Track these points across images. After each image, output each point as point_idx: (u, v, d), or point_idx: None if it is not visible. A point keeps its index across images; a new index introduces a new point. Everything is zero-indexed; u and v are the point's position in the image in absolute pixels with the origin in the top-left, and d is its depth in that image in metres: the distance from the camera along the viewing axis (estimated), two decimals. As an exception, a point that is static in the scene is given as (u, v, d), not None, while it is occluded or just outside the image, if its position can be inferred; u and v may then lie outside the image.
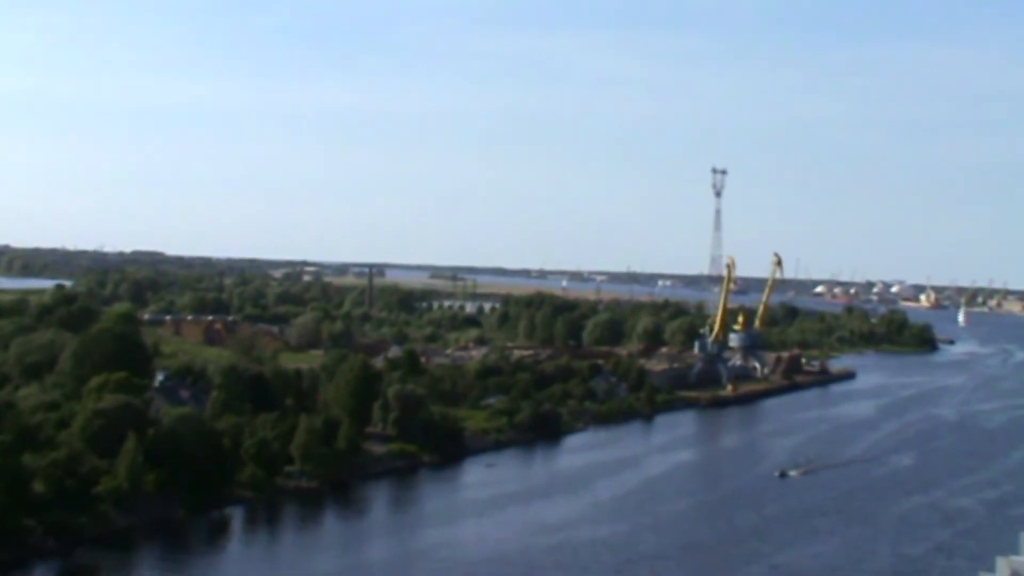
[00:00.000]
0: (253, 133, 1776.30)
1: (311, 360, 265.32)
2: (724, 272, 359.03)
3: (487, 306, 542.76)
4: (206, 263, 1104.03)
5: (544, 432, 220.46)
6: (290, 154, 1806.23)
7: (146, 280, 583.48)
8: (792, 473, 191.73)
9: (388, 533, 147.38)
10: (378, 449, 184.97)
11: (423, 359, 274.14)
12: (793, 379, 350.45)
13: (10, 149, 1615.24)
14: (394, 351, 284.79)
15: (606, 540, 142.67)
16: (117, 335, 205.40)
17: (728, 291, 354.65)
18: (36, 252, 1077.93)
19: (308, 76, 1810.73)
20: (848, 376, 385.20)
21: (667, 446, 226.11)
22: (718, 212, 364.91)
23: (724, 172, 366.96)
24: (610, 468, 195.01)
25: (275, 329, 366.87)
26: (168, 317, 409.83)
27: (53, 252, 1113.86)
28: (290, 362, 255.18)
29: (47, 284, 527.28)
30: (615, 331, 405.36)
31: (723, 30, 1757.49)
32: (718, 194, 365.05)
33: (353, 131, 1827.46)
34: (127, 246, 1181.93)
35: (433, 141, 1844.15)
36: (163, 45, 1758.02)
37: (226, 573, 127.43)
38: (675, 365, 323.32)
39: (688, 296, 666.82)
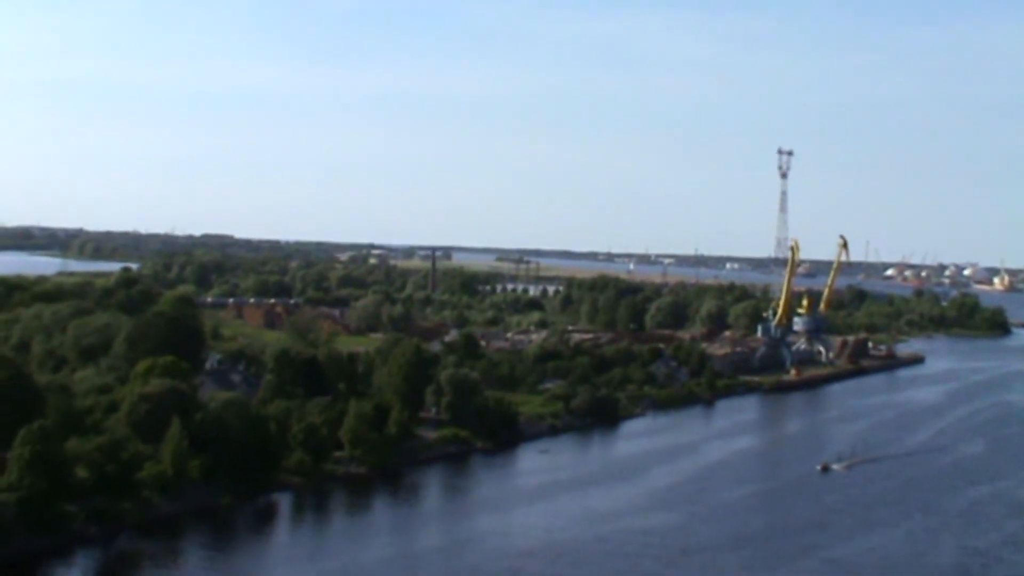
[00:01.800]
0: (323, 116, 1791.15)
1: (370, 344, 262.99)
2: (788, 255, 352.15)
3: (551, 289, 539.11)
4: (274, 246, 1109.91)
5: (601, 417, 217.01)
6: (358, 137, 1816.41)
7: (211, 263, 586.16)
8: (835, 467, 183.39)
9: (438, 520, 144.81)
10: (430, 434, 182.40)
11: (483, 343, 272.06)
12: (859, 364, 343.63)
13: (83, 134, 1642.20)
14: (453, 335, 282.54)
15: (659, 530, 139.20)
16: (170, 318, 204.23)
17: (792, 274, 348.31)
18: (108, 235, 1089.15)
19: (375, 59, 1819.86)
20: (916, 361, 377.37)
21: (726, 432, 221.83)
22: (784, 194, 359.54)
23: (790, 153, 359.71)
24: (667, 455, 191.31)
25: (336, 312, 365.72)
26: (231, 300, 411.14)
27: (124, 235, 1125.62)
28: (348, 346, 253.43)
29: (116, 267, 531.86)
30: (678, 314, 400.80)
31: (791, 10, 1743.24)
32: (784, 175, 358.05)
33: (422, 114, 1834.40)
34: (197, 229, 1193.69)
35: (502, 124, 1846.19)
36: (232, 30, 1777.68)
37: (272, 561, 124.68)
38: (738, 349, 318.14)
39: (756, 279, 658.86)
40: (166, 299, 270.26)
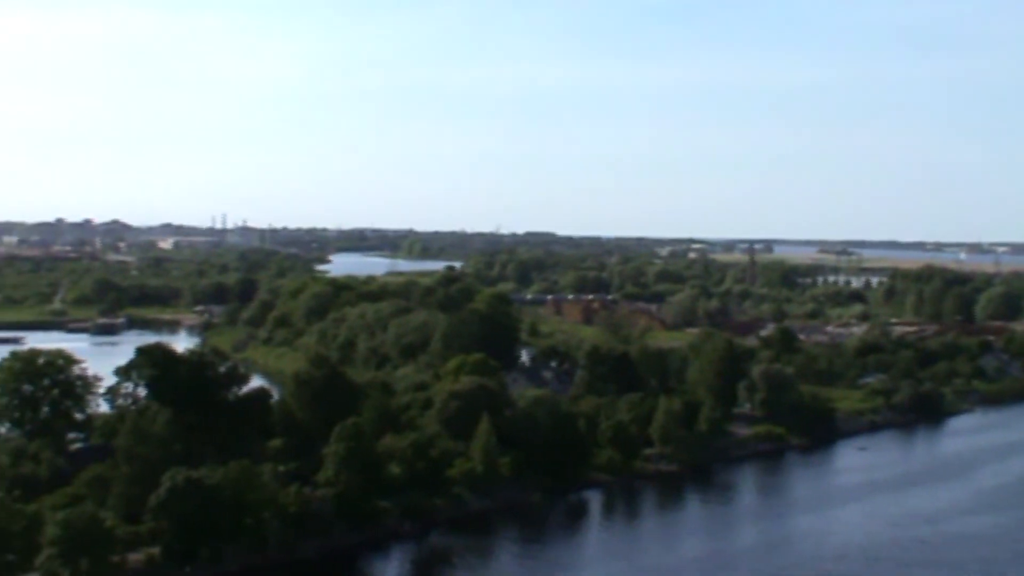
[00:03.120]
0: (643, 113, 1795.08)
1: (685, 339, 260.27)
2: None
3: (874, 281, 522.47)
4: (595, 243, 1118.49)
5: (924, 413, 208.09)
6: (678, 131, 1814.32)
7: (531, 260, 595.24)
8: None
9: (749, 520, 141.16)
10: (743, 431, 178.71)
11: (801, 336, 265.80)
12: None
13: (410, 139, 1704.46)
14: (769, 329, 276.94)
15: (986, 534, 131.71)
16: (484, 316, 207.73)
17: None
18: (436, 235, 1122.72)
19: (689, 53, 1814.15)
20: None
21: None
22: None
23: None
24: (996, 453, 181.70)
25: (652, 308, 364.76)
26: (550, 297, 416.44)
27: (452, 235, 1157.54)
28: (664, 341, 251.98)
29: (441, 266, 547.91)
30: (1011, 305, 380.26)
31: None
32: None
33: (742, 107, 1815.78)
34: (521, 228, 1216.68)
35: (822, 114, 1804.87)
36: (548, 30, 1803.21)
37: (584, 558, 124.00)
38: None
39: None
40: (482, 296, 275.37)
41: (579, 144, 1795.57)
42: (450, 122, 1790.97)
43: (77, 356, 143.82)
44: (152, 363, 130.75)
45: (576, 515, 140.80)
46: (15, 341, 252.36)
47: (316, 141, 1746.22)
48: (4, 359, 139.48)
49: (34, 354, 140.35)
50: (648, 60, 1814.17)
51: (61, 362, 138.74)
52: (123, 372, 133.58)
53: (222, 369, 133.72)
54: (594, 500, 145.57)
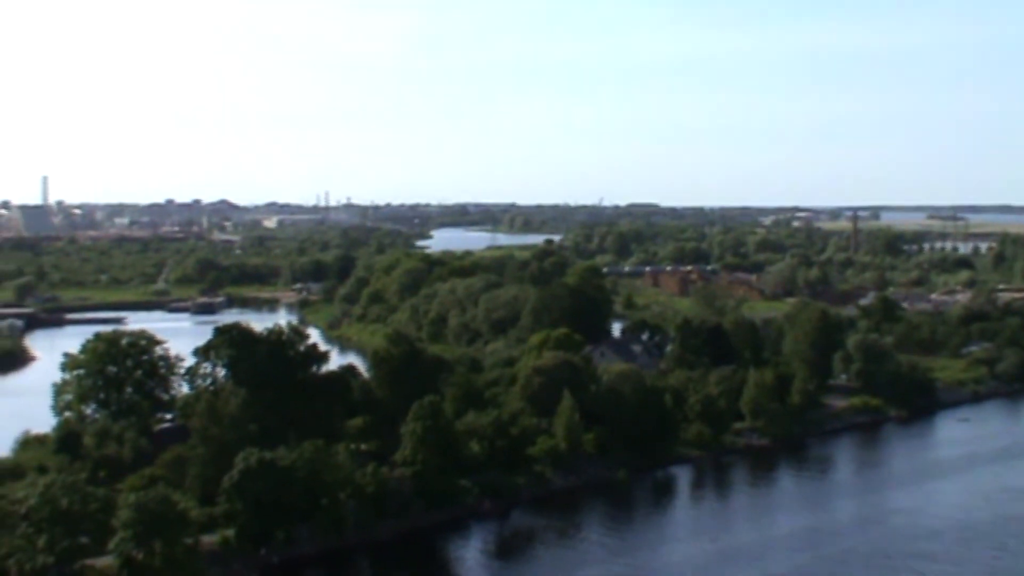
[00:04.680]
0: (748, 81, 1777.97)
1: (783, 309, 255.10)
2: None
3: (983, 246, 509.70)
4: (698, 213, 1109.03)
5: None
6: (783, 99, 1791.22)
7: (631, 232, 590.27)
8: None
9: (843, 496, 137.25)
10: (839, 403, 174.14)
11: (904, 305, 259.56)
12: None
13: (513, 113, 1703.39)
14: (870, 297, 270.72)
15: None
16: (573, 289, 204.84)
17: None
18: (538, 209, 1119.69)
19: (801, 19, 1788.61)
20: None
21: None
22: None
23: None
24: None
25: (752, 278, 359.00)
26: (648, 268, 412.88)
27: (554, 208, 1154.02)
28: (762, 311, 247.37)
29: (541, 239, 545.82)
30: None
31: None
32: None
33: (848, 72, 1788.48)
34: (624, 199, 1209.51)
35: (929, 77, 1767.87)
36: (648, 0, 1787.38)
37: (672, 536, 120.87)
38: None
39: None
40: (574, 270, 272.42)
41: (682, 114, 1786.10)
42: (553, 95, 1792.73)
43: (159, 336, 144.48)
44: (230, 343, 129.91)
45: (663, 492, 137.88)
46: (117, 322, 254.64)
47: (419, 117, 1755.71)
48: (88, 341, 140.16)
49: (118, 336, 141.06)
50: (750, 28, 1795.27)
51: (144, 343, 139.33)
52: (202, 352, 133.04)
53: (301, 348, 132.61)
54: (682, 476, 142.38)
